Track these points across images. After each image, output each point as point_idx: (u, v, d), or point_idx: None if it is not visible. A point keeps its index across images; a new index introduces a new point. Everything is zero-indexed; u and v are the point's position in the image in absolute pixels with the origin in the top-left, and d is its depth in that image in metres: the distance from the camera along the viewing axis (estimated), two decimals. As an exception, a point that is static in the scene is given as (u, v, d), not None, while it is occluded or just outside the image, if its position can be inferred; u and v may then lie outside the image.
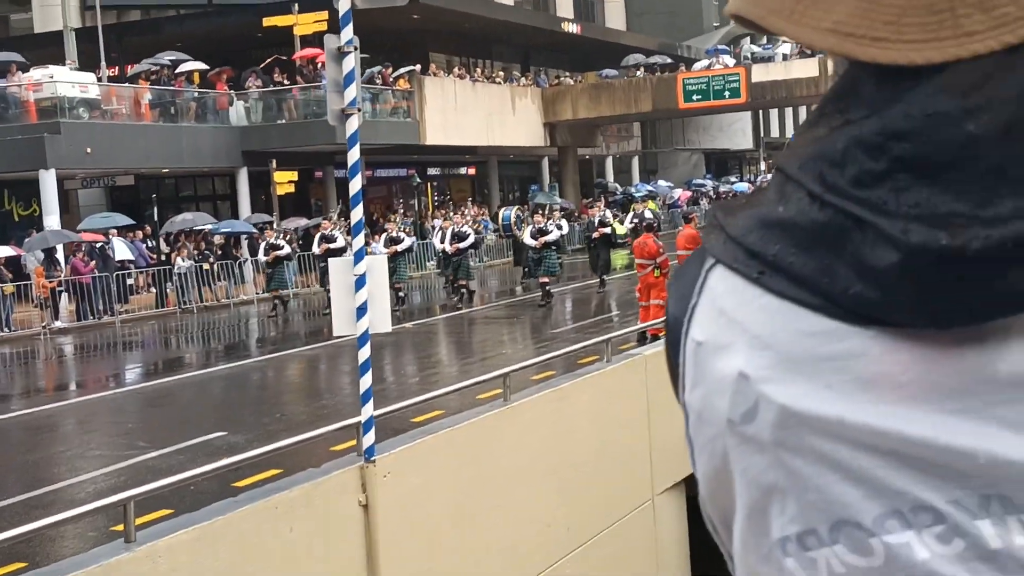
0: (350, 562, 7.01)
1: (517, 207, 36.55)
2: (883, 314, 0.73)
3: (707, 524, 0.88)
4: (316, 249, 25.13)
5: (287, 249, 25.76)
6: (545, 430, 9.14)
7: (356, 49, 6.35)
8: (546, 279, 23.41)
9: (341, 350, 18.66)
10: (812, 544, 0.76)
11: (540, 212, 29.85)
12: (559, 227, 31.21)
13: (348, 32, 6.28)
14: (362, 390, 6.90)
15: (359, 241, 6.76)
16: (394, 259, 23.35)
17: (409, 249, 26.42)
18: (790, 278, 0.76)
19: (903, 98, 0.73)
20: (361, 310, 6.72)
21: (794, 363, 0.76)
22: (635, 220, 29.54)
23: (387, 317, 7.00)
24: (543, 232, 24.22)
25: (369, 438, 6.99)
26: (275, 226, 28.81)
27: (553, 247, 24.37)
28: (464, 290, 24.29)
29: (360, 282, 6.67)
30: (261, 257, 25.83)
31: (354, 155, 6.46)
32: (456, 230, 25.05)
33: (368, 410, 6.89)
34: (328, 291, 23.51)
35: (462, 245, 24.37)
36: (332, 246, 23.92)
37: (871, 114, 0.74)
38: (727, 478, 0.81)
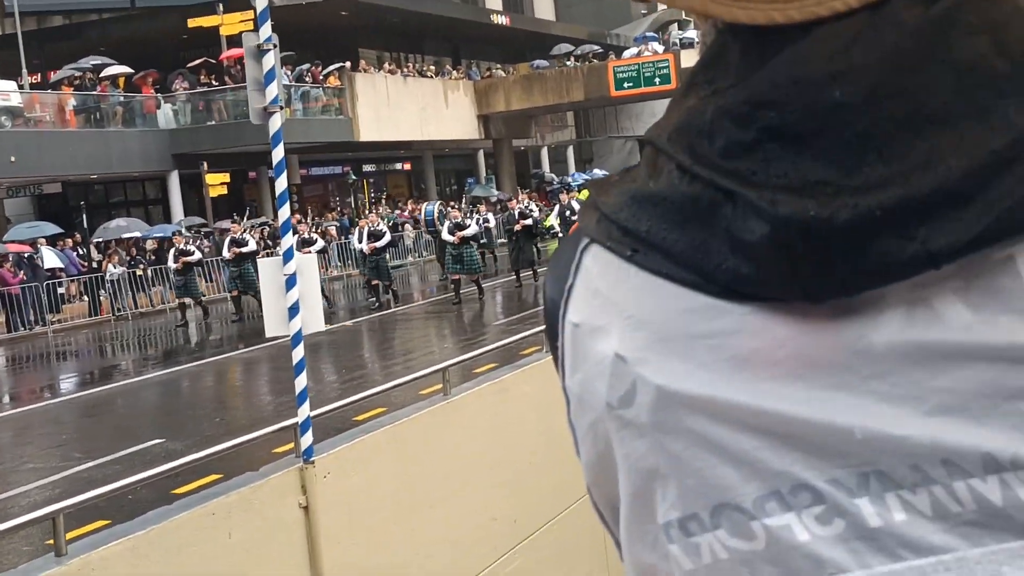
0: (292, 565, 6.92)
1: (440, 202, 36.03)
2: (757, 289, 0.72)
3: (594, 511, 0.86)
4: (227, 254, 24.74)
5: (198, 255, 25.35)
6: (487, 423, 9.12)
7: (276, 47, 6.25)
8: (456, 277, 22.92)
9: (281, 351, 18.53)
10: (695, 530, 0.75)
11: (457, 207, 29.92)
12: (485, 220, 31.10)
13: (267, 29, 6.18)
14: (297, 391, 6.82)
15: (287, 240, 6.66)
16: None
17: (323, 251, 26.17)
18: (663, 255, 0.75)
19: (769, 65, 0.71)
20: (293, 310, 6.63)
21: (669, 342, 0.75)
22: (565, 211, 29.26)
23: (320, 316, 6.92)
24: (461, 227, 23.46)
25: (307, 439, 6.90)
26: (238, 221, 28.92)
27: (473, 242, 23.75)
28: (383, 292, 23.97)
29: (291, 282, 6.58)
30: (171, 264, 25.18)
31: (279, 154, 6.35)
32: (372, 229, 24.61)
33: (304, 411, 6.81)
34: (233, 297, 23.85)
35: (378, 244, 23.95)
36: (243, 250, 23.82)
37: (737, 82, 0.73)
38: (610, 464, 0.80)
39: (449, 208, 28.65)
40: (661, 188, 0.75)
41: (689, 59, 45.66)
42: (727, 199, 0.72)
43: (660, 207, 0.75)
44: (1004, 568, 0.68)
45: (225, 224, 32.69)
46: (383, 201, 41.10)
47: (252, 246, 24.33)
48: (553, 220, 30.39)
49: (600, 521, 0.86)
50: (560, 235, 28.04)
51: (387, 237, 24.75)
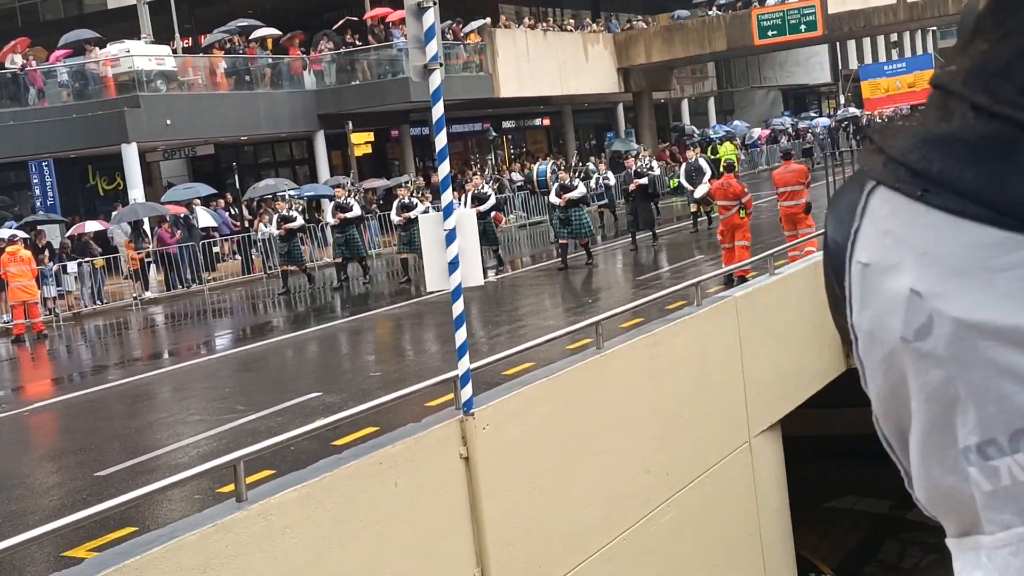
0: (454, 514, 7.10)
1: (552, 161, 34.38)
2: None
3: (881, 441, 0.89)
4: (331, 219, 23.80)
5: (300, 221, 24.38)
6: (640, 376, 9.15)
7: (436, 4, 6.34)
8: (565, 241, 21.45)
9: (425, 308, 18.84)
10: (993, 453, 0.76)
11: (600, 161, 27.94)
12: (605, 179, 29.34)
13: (427, -13, 6.28)
14: (457, 344, 6.96)
15: (447, 196, 6.79)
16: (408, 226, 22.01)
17: (362, 219, 24.92)
18: (957, 192, 0.76)
19: None
20: (452, 265, 6.77)
21: (966, 276, 0.77)
22: (691, 170, 25.92)
23: (479, 271, 7.04)
24: (567, 188, 21.77)
25: (467, 391, 7.06)
26: (346, 186, 28.19)
27: (583, 204, 22.05)
28: (497, 260, 22.59)
29: (451, 237, 6.71)
30: (274, 230, 24.37)
31: (438, 111, 6.47)
32: (476, 192, 23.24)
33: (464, 363, 6.96)
34: (337, 263, 23.01)
35: (482, 208, 22.15)
36: (348, 215, 23.10)
37: None
38: (904, 394, 0.82)
39: (561, 166, 26.70)
40: (954, 129, 0.77)
41: (837, 4, 44.35)
42: None
43: (953, 147, 0.77)
44: None
45: (377, 183, 33.04)
46: (488, 165, 40.16)
47: (357, 211, 23.55)
48: (681, 179, 27.58)
49: (887, 450, 0.89)
50: (688, 193, 25.75)
51: (492, 200, 23.36)
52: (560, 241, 21.70)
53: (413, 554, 6.76)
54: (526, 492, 7.64)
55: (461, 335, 6.91)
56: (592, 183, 29.60)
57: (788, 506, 12.01)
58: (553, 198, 21.99)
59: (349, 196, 24.92)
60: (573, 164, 34.82)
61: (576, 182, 22.47)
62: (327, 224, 25.41)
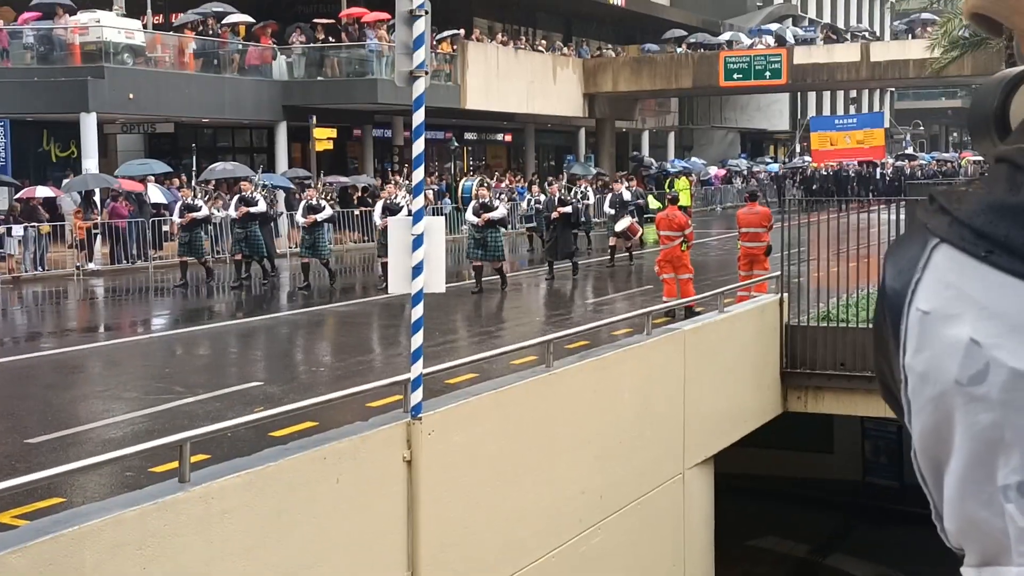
0: (392, 515, 7.11)
1: (480, 177, 32.78)
2: None
3: (917, 474, 0.93)
4: (233, 213, 22.31)
5: (205, 212, 23.20)
6: (585, 398, 9.22)
7: (427, 13, 6.39)
8: (479, 264, 20.09)
9: (372, 308, 18.80)
10: None
11: (556, 184, 26.95)
12: (584, 197, 28.43)
13: (421, -7, 6.32)
14: (413, 348, 6.98)
15: (419, 201, 6.82)
16: (312, 230, 21.27)
17: (330, 219, 23.43)
18: (1020, 257, 0.81)
19: None
20: (417, 269, 6.80)
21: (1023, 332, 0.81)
22: (616, 200, 24.86)
23: (441, 278, 7.07)
24: (487, 208, 20.47)
25: (417, 395, 7.08)
26: (315, 185, 27.41)
27: (500, 226, 20.65)
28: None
29: (417, 242, 6.75)
30: (176, 219, 23.11)
31: (419, 117, 6.52)
32: (389, 202, 21.71)
33: (418, 368, 6.98)
34: (235, 260, 21.58)
35: (393, 218, 20.98)
36: (251, 210, 21.84)
37: None
38: (947, 432, 0.87)
39: (483, 187, 24.08)
40: (1021, 200, 0.83)
41: (802, 56, 45.07)
42: None
43: (1020, 216, 0.82)
44: None
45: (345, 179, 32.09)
46: (402, 173, 38.88)
47: (262, 207, 22.15)
48: (605, 209, 26.18)
49: (921, 483, 0.93)
50: (608, 223, 25.00)
51: (403, 212, 20.73)
52: (474, 263, 20.33)
53: (348, 551, 6.76)
54: (464, 500, 7.67)
55: (417, 340, 6.94)
56: (524, 204, 29.05)
57: (713, 540, 12.13)
58: (471, 216, 20.58)
59: (256, 190, 23.24)
60: (532, 179, 34.70)
61: (496, 203, 21.22)
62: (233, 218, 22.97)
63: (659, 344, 10.60)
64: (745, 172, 52.60)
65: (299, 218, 22.66)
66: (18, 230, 24.00)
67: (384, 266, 21.30)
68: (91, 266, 24.90)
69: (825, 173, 48.26)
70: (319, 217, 21.67)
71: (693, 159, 53.36)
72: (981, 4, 0.88)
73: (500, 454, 7.99)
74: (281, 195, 29.42)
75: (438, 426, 7.31)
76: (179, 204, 23.54)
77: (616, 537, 9.68)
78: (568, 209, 22.54)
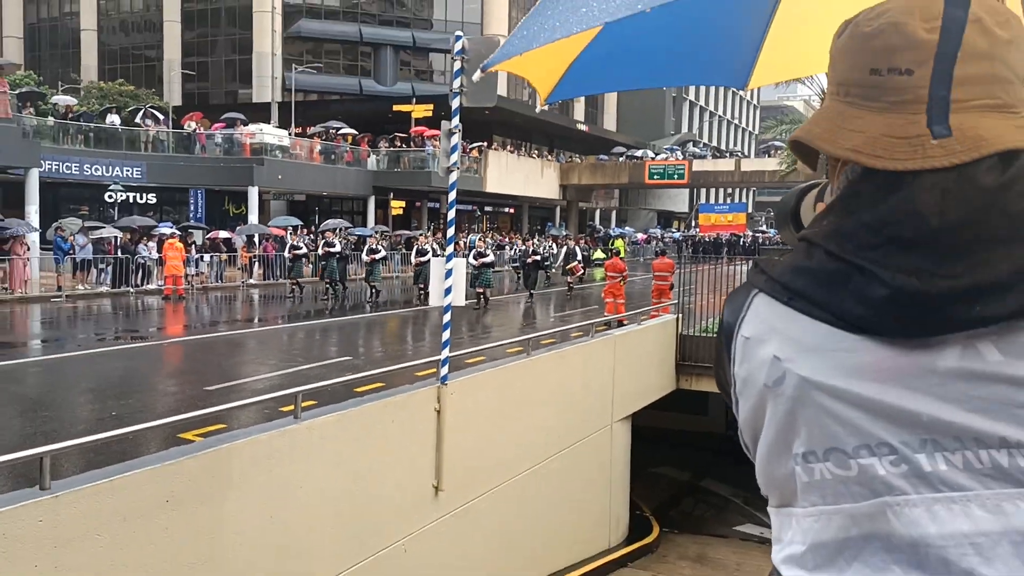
0: (425, 444, 7.05)
1: (481, 234, 32.82)
2: (872, 327, 0.76)
3: (741, 444, 0.90)
4: (320, 251, 21.30)
5: (304, 249, 22.51)
6: (550, 375, 9.13)
7: (459, 130, 6.42)
8: (481, 289, 19.61)
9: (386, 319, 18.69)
10: (812, 460, 0.79)
11: (532, 239, 27.03)
12: (550, 248, 28.55)
13: (456, 120, 6.36)
14: (443, 339, 6.94)
15: (450, 248, 6.81)
16: (371, 265, 20.76)
17: (385, 259, 22.69)
18: (810, 302, 0.78)
19: (892, 199, 0.76)
20: (447, 291, 6.78)
21: (810, 352, 0.78)
22: (571, 253, 25.24)
23: (462, 295, 7.03)
24: (481, 255, 20.13)
25: (444, 370, 7.03)
26: (374, 234, 25.93)
27: (488, 268, 20.02)
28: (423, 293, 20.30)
29: (449, 273, 6.74)
30: (364, 256, 22.14)
31: (452, 195, 6.53)
32: (419, 247, 21.44)
33: (446, 352, 6.94)
34: (325, 283, 20.91)
35: (423, 260, 20.58)
36: (331, 250, 20.95)
37: (871, 208, 0.77)
38: (760, 418, 0.84)
39: (488, 239, 24.72)
40: (813, 265, 0.79)
41: (698, 165, 45.07)
42: (859, 273, 0.75)
43: (811, 275, 0.79)
44: (1004, 504, 0.72)
45: (409, 232, 31.53)
46: (434, 229, 38.06)
47: (338, 247, 21.06)
48: (560, 259, 26.38)
49: (744, 449, 0.89)
50: (562, 269, 24.95)
51: (428, 256, 20.85)
52: (477, 290, 19.72)
53: (400, 465, 6.71)
54: (472, 435, 7.62)
55: (446, 334, 6.90)
56: (510, 251, 29.00)
57: (629, 468, 12.02)
58: (471, 260, 20.05)
59: (335, 237, 22.57)
60: (525, 236, 34.52)
61: (488, 252, 20.69)
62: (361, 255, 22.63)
63: (599, 343, 10.54)
64: (659, 237, 52.51)
65: (363, 256, 22.44)
66: (208, 257, 24.08)
67: (420, 289, 21.11)
68: (251, 281, 24.86)
69: (708, 240, 48.15)
70: (376, 256, 21.44)
71: (627, 227, 53.28)
72: (798, 134, 0.85)
73: (496, 408, 7.94)
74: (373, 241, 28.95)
75: (457, 390, 7.26)
76: (322, 241, 21.76)
77: (568, 463, 9.58)
78: (538, 257, 23.01)
